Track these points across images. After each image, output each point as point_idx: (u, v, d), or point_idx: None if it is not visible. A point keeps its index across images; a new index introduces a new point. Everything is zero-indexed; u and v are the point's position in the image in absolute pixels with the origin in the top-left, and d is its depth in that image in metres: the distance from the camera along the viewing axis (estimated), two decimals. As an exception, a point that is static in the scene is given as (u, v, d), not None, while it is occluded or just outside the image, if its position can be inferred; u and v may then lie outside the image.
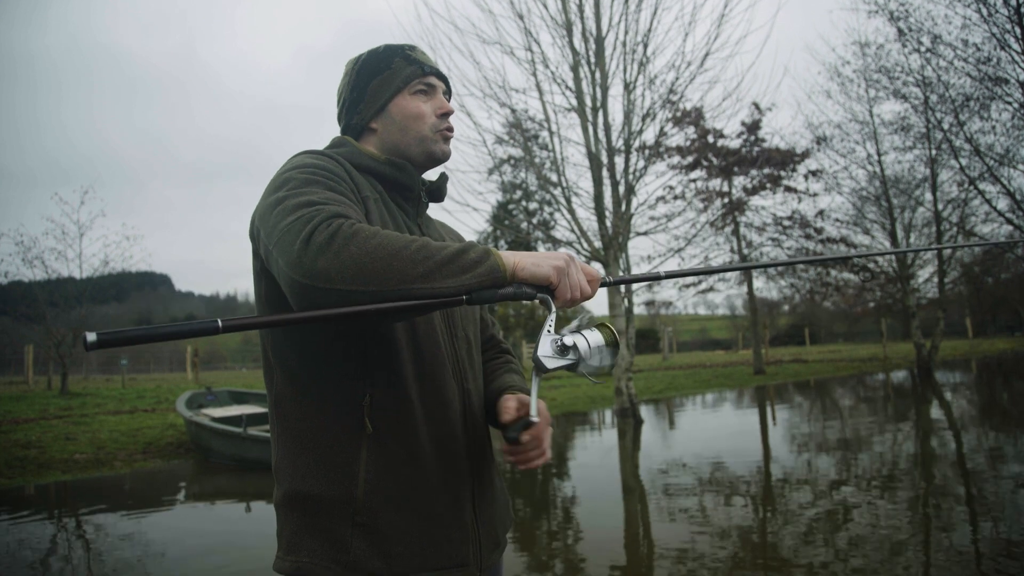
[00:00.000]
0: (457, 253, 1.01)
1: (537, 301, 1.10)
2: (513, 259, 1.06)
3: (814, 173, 20.58)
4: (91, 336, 0.81)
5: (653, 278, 1.32)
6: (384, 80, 1.34)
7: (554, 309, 1.10)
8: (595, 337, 1.13)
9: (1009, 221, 15.66)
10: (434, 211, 1.55)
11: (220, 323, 0.88)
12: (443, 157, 1.37)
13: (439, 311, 1.22)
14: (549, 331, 1.10)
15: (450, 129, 1.37)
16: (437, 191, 1.43)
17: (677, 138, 17.42)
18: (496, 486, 1.35)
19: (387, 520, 1.13)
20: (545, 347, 1.08)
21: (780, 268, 21.33)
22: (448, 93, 1.42)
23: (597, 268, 11.51)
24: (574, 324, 1.16)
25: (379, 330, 1.17)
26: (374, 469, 1.14)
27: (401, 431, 1.16)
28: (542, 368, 1.07)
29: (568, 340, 1.09)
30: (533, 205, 33.14)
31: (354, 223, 1.00)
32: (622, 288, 12.02)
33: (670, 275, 1.33)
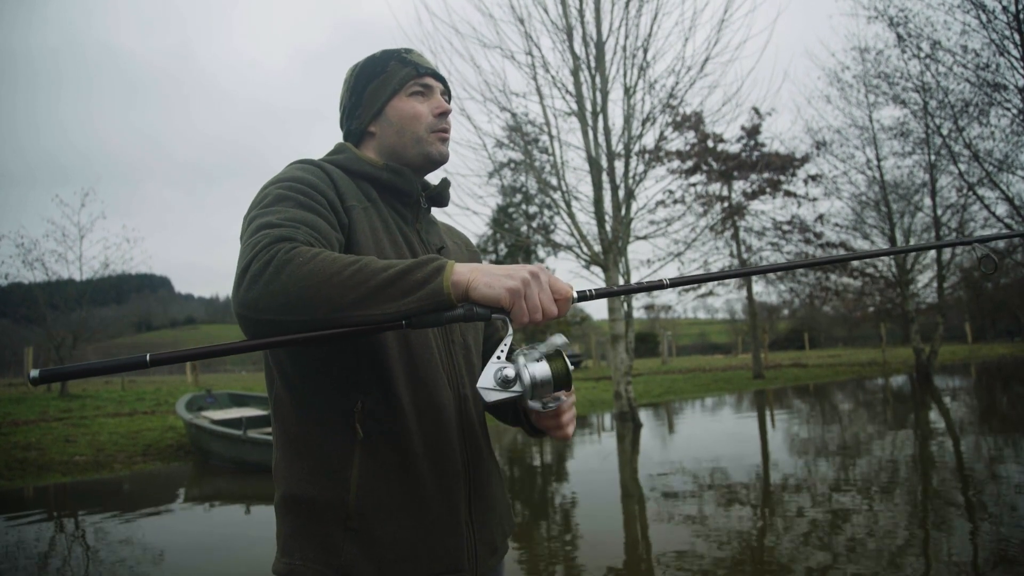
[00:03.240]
0: (398, 275, 0.98)
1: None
2: (467, 277, 1.00)
3: (814, 178, 20.63)
4: (34, 372, 0.88)
5: (627, 291, 1.20)
6: (380, 83, 1.34)
7: (510, 331, 1.04)
8: (541, 369, 1.03)
9: (1008, 227, 15.68)
10: (436, 215, 1.55)
11: (148, 358, 0.90)
12: (440, 158, 1.36)
13: None
14: (499, 357, 1.04)
15: (446, 130, 1.36)
16: (438, 196, 1.43)
17: (677, 142, 17.46)
18: (495, 492, 1.34)
19: (379, 525, 1.14)
20: (487, 377, 1.02)
21: (779, 273, 21.35)
22: (447, 94, 1.41)
23: (600, 272, 11.52)
24: (532, 350, 1.06)
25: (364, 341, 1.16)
26: (366, 475, 1.15)
27: (393, 437, 1.17)
28: (482, 401, 1.03)
29: (510, 372, 1.02)
30: (533, 209, 33.16)
31: (293, 248, 0.99)
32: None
33: (637, 288, 1.21)
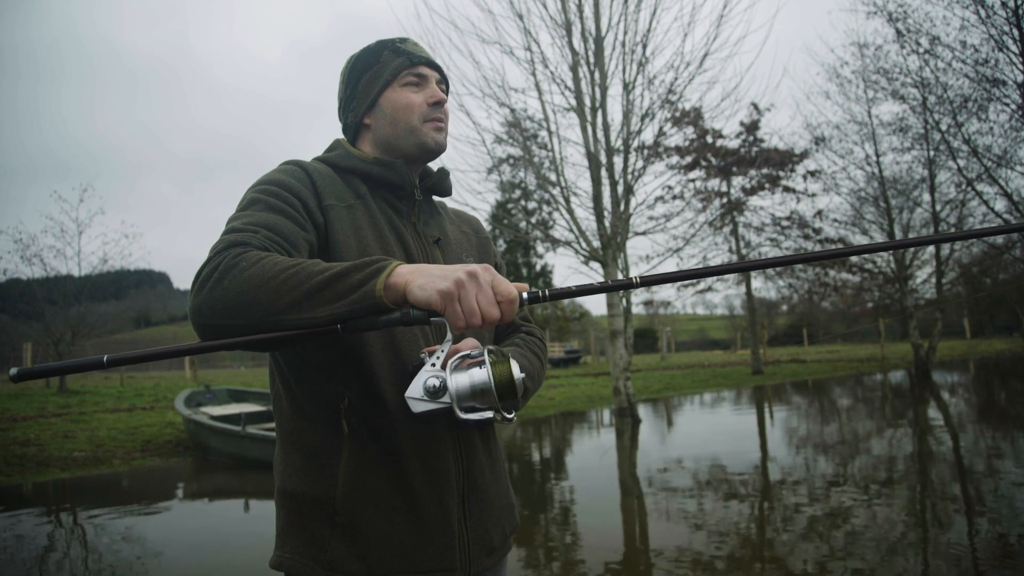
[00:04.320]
0: (334, 278, 0.96)
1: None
2: (406, 279, 0.96)
3: (812, 173, 20.61)
4: (13, 371, 0.93)
5: (587, 292, 1.04)
6: (374, 74, 1.33)
7: (448, 336, 1.00)
8: (479, 376, 0.98)
9: (1006, 222, 15.68)
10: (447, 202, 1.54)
11: (105, 359, 0.92)
12: (436, 147, 1.34)
13: None
14: (433, 364, 1.00)
15: (440, 119, 1.34)
16: (437, 186, 1.41)
17: (676, 138, 17.42)
18: (492, 490, 1.32)
19: (366, 521, 1.14)
20: (416, 386, 0.98)
21: (778, 269, 21.35)
22: (444, 83, 1.38)
23: (599, 268, 11.51)
24: (463, 355, 1.02)
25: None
26: (352, 471, 1.15)
27: (379, 433, 1.16)
28: (409, 411, 0.97)
29: (435, 381, 0.98)
30: (532, 205, 33.15)
31: (242, 252, 0.99)
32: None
33: (601, 288, 1.04)
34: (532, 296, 0.99)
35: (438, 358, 1.00)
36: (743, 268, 1.15)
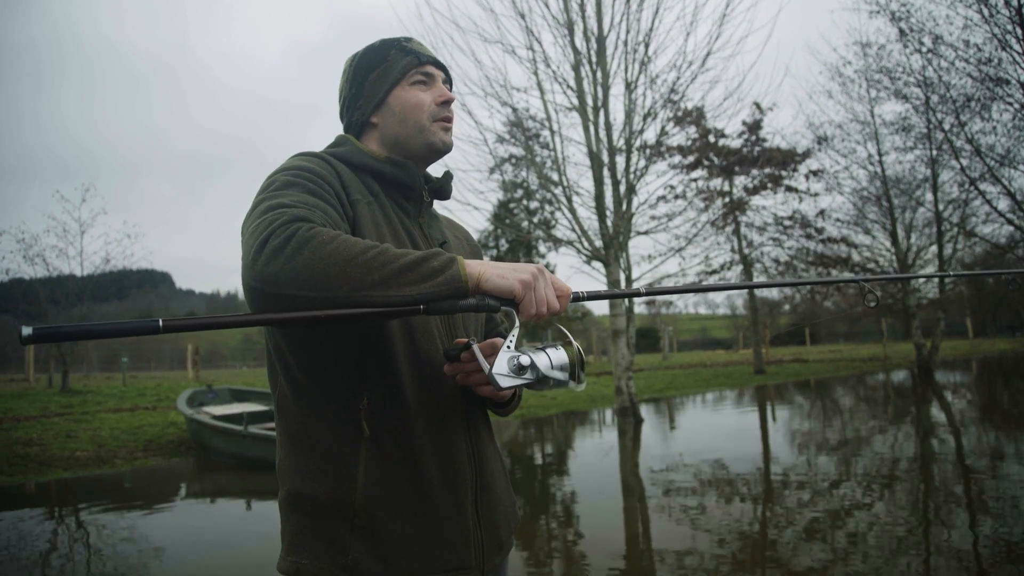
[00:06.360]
0: (418, 261, 1.00)
1: (502, 314, 1.08)
2: (478, 269, 1.03)
3: (815, 173, 20.58)
4: (26, 330, 0.80)
5: (628, 295, 1.29)
6: (381, 73, 1.33)
7: (518, 323, 1.08)
8: (558, 356, 1.11)
9: (1010, 222, 15.65)
10: (437, 208, 1.54)
11: (161, 323, 0.88)
12: (444, 147, 1.35)
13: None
14: (509, 347, 1.08)
15: (448, 119, 1.35)
16: (441, 189, 1.41)
17: (678, 137, 17.42)
18: (500, 488, 1.34)
19: (385, 524, 1.13)
20: (501, 364, 1.06)
21: (780, 267, 21.36)
22: (449, 82, 1.40)
23: (601, 268, 11.51)
24: (540, 342, 1.14)
25: (372, 331, 1.16)
26: (372, 472, 1.14)
27: (399, 434, 1.16)
28: (496, 386, 1.05)
29: (525, 359, 1.07)
30: (534, 204, 33.11)
31: (313, 227, 0.99)
32: (622, 287, 11.99)
33: (645, 292, 1.31)
34: (575, 296, 1.17)
35: (511, 342, 1.09)
36: (746, 287, 1.34)
